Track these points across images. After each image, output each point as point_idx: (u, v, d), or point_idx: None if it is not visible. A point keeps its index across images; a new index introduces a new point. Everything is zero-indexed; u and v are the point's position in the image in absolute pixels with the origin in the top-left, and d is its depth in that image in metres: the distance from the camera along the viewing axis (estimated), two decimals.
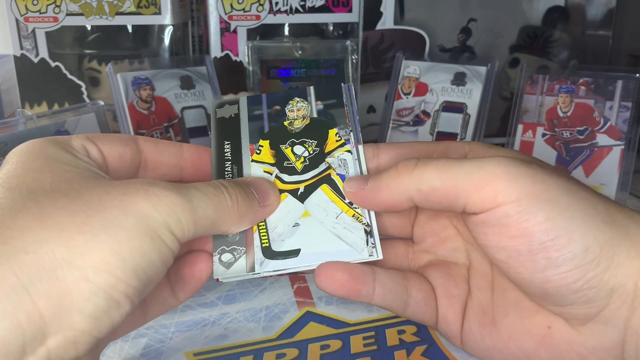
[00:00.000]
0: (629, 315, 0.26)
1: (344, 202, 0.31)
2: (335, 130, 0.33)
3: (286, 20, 0.58)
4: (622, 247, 0.26)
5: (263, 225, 0.31)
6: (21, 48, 0.55)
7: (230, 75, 0.56)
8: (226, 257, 0.30)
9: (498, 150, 0.31)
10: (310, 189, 0.32)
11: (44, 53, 0.56)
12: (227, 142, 0.34)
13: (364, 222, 0.31)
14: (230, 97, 0.53)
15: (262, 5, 0.56)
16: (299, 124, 0.34)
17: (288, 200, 0.32)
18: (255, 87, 0.54)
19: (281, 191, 0.32)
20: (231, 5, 0.56)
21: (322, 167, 0.32)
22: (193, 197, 0.26)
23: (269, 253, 0.30)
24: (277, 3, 0.57)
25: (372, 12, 0.63)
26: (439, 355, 0.33)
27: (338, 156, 0.33)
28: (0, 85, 0.62)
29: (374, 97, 0.67)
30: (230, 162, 0.33)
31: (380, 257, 0.30)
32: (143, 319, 0.30)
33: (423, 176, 0.28)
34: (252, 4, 0.56)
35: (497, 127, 0.67)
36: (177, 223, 0.24)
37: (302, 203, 0.32)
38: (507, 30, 0.68)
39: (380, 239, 0.31)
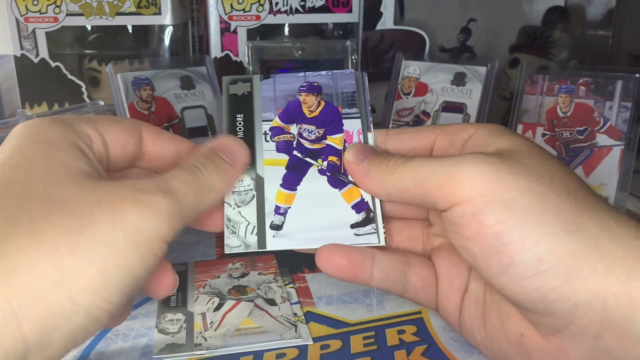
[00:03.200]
0: (599, 334, 0.24)
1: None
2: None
3: (286, 20, 0.58)
4: (587, 261, 0.24)
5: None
6: (21, 48, 0.55)
7: (230, 75, 0.56)
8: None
9: (496, 139, 0.29)
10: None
11: (44, 53, 0.56)
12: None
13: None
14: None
15: (262, 5, 0.56)
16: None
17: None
18: None
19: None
20: (231, 5, 0.56)
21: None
22: (178, 192, 0.25)
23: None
24: (277, 3, 0.57)
25: (372, 12, 0.63)
26: (439, 355, 0.33)
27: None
28: (0, 85, 0.62)
29: (374, 97, 0.67)
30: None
31: (383, 243, 0.31)
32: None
33: (400, 175, 0.29)
34: (252, 4, 0.56)
35: None
36: (168, 228, 0.24)
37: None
38: (507, 30, 0.68)
39: (398, 220, 0.32)
